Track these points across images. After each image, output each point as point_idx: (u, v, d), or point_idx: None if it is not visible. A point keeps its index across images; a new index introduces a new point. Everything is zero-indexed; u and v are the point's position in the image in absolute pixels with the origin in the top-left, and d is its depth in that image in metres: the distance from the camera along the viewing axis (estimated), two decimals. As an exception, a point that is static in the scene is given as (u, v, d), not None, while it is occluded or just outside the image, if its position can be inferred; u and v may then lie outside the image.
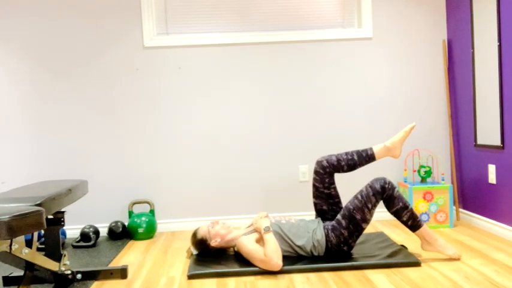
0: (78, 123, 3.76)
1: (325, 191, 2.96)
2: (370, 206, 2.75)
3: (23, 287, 2.24)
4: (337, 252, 2.82)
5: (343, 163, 2.94)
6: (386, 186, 2.76)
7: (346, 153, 2.97)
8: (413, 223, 2.79)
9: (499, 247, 2.98)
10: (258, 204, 3.86)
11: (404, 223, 2.80)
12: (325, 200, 2.97)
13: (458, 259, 2.76)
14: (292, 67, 3.84)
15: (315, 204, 3.02)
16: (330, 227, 2.82)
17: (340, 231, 2.78)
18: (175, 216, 3.84)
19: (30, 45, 3.71)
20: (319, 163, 2.97)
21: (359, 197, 2.78)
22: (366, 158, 2.96)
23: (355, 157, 2.95)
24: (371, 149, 2.98)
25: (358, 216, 2.76)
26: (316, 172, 2.98)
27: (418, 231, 2.80)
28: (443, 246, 2.78)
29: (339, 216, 2.81)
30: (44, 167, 3.75)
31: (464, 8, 3.59)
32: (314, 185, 2.99)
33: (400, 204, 2.77)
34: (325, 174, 2.94)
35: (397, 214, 2.79)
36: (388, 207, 2.79)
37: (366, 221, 2.77)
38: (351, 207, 2.78)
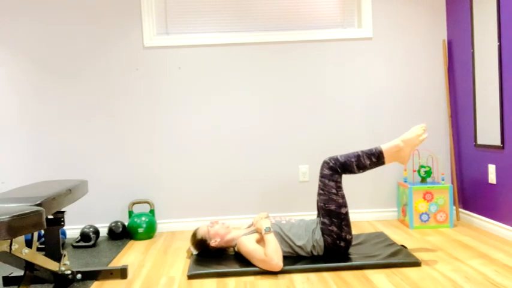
0: (78, 123, 3.76)
1: None
2: (334, 190, 2.77)
3: (23, 287, 2.24)
4: (337, 250, 2.81)
5: None
6: (331, 163, 2.78)
7: (354, 152, 2.97)
8: (376, 157, 2.80)
9: (499, 247, 2.98)
10: (258, 204, 3.86)
11: (372, 164, 2.80)
12: None
13: (423, 128, 2.81)
14: (292, 67, 3.84)
15: (318, 202, 3.02)
16: (320, 230, 2.82)
17: (329, 229, 2.78)
18: (175, 216, 3.84)
19: (30, 45, 3.71)
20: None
21: (321, 191, 2.81)
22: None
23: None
24: (376, 148, 3.00)
25: (332, 207, 2.77)
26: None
27: (387, 160, 2.80)
28: (409, 138, 2.81)
29: (321, 218, 2.83)
30: (44, 167, 3.75)
31: (464, 8, 3.59)
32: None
33: (353, 160, 2.78)
34: None
35: (361, 167, 2.80)
36: (351, 172, 2.80)
37: (341, 205, 2.78)
38: (322, 203, 2.81)
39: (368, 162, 2.80)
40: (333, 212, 2.77)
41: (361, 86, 3.87)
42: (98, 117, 3.77)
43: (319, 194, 2.83)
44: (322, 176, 2.81)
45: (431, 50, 3.88)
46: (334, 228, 2.78)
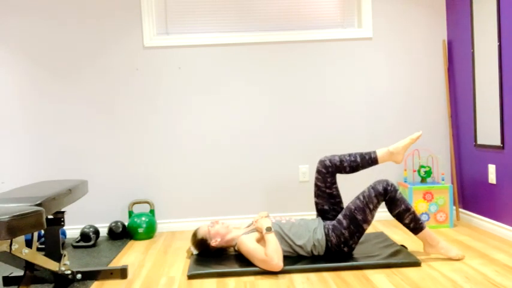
0: (78, 123, 3.76)
1: (327, 190, 2.96)
2: (371, 206, 2.75)
3: (23, 287, 2.24)
4: (337, 253, 2.81)
5: (345, 164, 2.94)
6: (389, 188, 2.76)
7: (350, 155, 2.97)
8: (415, 225, 2.79)
9: (499, 247, 2.98)
10: (258, 204, 3.86)
11: (406, 226, 2.80)
12: (327, 199, 2.97)
13: (462, 259, 2.77)
14: (292, 67, 3.84)
15: (316, 204, 3.02)
16: (330, 226, 2.82)
17: (341, 231, 2.78)
18: (175, 216, 3.84)
19: (30, 45, 3.71)
20: (321, 162, 2.97)
21: (361, 197, 2.78)
22: (368, 161, 2.96)
23: (358, 159, 2.95)
24: (374, 152, 2.98)
25: (359, 217, 2.76)
26: (318, 171, 2.98)
27: (420, 234, 2.80)
28: (446, 248, 2.79)
29: (340, 216, 2.81)
30: (44, 167, 3.75)
31: (464, 8, 3.59)
32: (316, 184, 2.99)
33: (402, 206, 2.77)
34: (327, 174, 2.95)
35: (399, 216, 2.78)
36: (390, 209, 2.79)
37: (367, 221, 2.77)
38: (353, 207, 2.78)
39: (407, 221, 2.78)
40: (356, 221, 2.76)
41: (361, 86, 3.87)
42: (98, 117, 3.77)
43: (357, 198, 2.79)
44: (373, 187, 2.77)
45: (431, 50, 3.88)
46: (346, 233, 2.77)
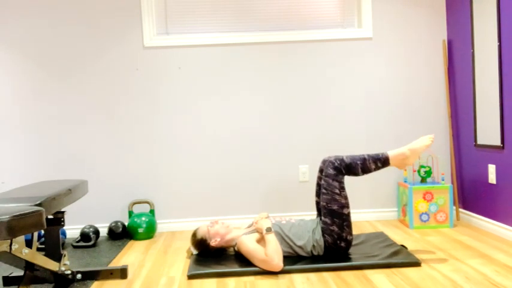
0: (78, 123, 3.76)
1: None
2: (337, 190, 2.77)
3: (23, 287, 2.24)
4: (337, 250, 2.81)
5: None
6: (337, 163, 2.78)
7: (354, 156, 2.97)
8: (381, 162, 2.80)
9: (499, 247, 2.98)
10: (258, 204, 3.86)
11: (376, 169, 2.81)
12: None
13: (432, 139, 2.80)
14: (292, 67, 3.84)
15: (317, 203, 3.02)
16: (321, 230, 2.83)
17: (330, 229, 2.78)
18: (175, 216, 3.84)
19: (30, 45, 3.71)
20: (324, 162, 2.97)
21: (324, 190, 2.80)
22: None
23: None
24: (383, 154, 2.97)
25: (334, 207, 2.77)
26: (321, 170, 2.98)
27: (391, 162, 2.81)
28: (416, 148, 2.80)
29: (322, 218, 2.82)
30: (43, 167, 3.75)
31: (464, 8, 3.60)
32: (318, 184, 2.99)
33: (359, 163, 2.78)
34: None
35: (365, 171, 2.80)
36: (355, 174, 2.81)
37: (344, 205, 2.78)
38: (324, 203, 2.80)
39: (373, 166, 2.80)
40: (335, 212, 2.77)
41: (361, 86, 3.87)
42: (98, 117, 3.77)
43: (322, 193, 2.82)
44: (326, 175, 2.80)
45: (431, 50, 3.88)
46: (335, 228, 2.78)
